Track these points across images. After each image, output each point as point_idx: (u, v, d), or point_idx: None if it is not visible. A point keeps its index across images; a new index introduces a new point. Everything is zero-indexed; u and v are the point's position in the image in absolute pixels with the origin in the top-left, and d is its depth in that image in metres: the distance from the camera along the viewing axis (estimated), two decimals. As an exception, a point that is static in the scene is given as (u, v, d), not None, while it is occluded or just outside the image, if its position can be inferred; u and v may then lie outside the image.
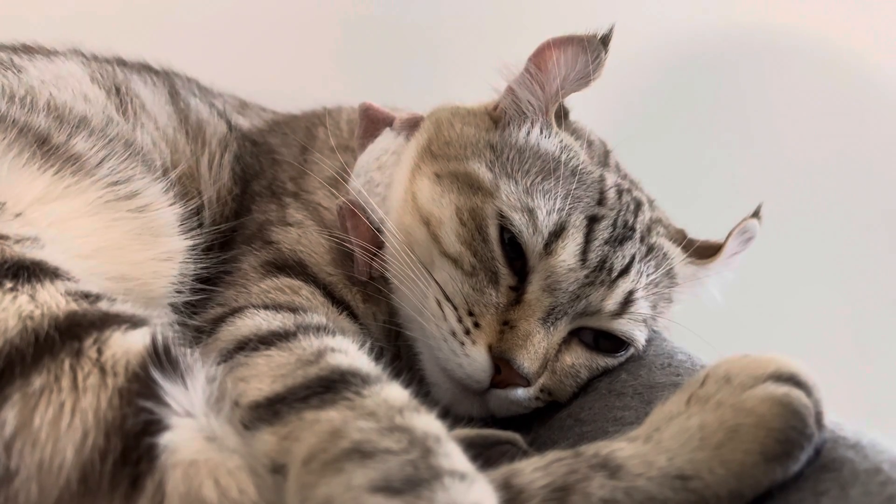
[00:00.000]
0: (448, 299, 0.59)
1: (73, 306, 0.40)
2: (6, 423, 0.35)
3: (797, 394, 0.41)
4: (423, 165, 0.64)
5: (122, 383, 0.37)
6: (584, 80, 0.62)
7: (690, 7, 1.20)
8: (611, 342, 0.63)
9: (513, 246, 0.60)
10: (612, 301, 0.61)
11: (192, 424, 0.38)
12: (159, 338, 0.40)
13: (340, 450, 0.36)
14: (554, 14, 1.17)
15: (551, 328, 0.59)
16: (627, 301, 0.62)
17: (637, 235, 0.64)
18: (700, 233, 0.73)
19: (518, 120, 0.65)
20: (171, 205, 0.59)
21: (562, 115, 0.66)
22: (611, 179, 0.65)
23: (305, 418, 0.40)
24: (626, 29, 1.14)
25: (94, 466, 0.35)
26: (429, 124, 0.68)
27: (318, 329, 0.52)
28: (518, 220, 0.59)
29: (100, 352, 0.38)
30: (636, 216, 0.65)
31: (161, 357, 0.39)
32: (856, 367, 1.20)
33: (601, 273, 0.61)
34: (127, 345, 0.39)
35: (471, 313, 0.59)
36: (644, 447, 0.41)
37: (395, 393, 0.42)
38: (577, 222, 0.60)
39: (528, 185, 0.61)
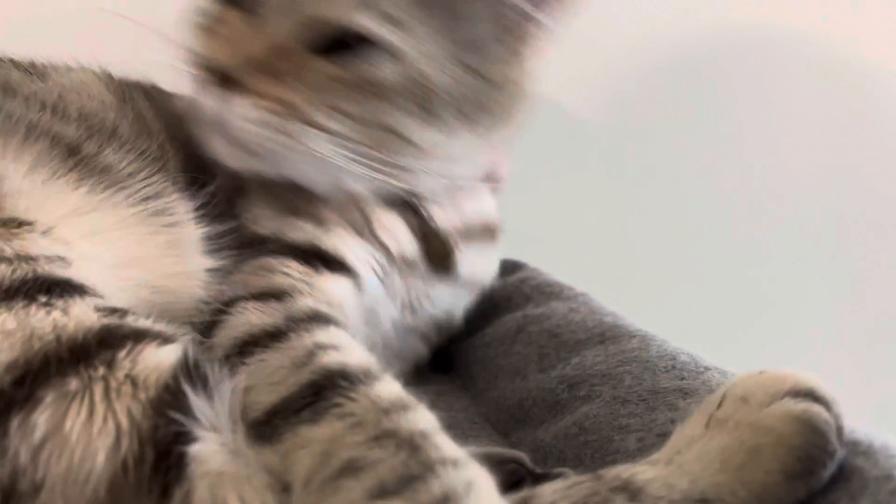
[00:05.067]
0: None
1: (106, 320, 0.41)
2: (37, 427, 0.35)
3: (817, 409, 0.40)
4: None
5: (154, 394, 0.38)
6: None
7: (684, 6, 1.19)
8: (361, 49, 0.58)
9: None
10: None
11: (218, 438, 0.39)
12: (190, 353, 0.41)
13: (334, 469, 0.38)
14: None
15: (258, 21, 0.57)
16: None
17: None
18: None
19: None
20: (198, 224, 0.59)
21: None
22: None
23: (301, 435, 0.41)
24: (620, 28, 1.15)
25: (127, 473, 0.35)
26: None
27: (308, 319, 0.52)
28: None
29: (133, 363, 0.39)
30: None
31: (191, 371, 0.40)
32: (864, 365, 1.22)
33: None
34: (158, 359, 0.40)
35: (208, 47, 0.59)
36: (665, 470, 0.41)
37: (383, 391, 0.43)
38: None
39: None
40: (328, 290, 0.61)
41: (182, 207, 0.58)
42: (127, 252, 0.52)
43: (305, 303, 0.55)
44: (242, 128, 0.55)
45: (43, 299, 0.41)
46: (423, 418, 0.41)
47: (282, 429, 0.41)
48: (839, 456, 0.40)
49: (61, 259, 0.46)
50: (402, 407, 0.41)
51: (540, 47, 0.64)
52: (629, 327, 0.71)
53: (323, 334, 0.49)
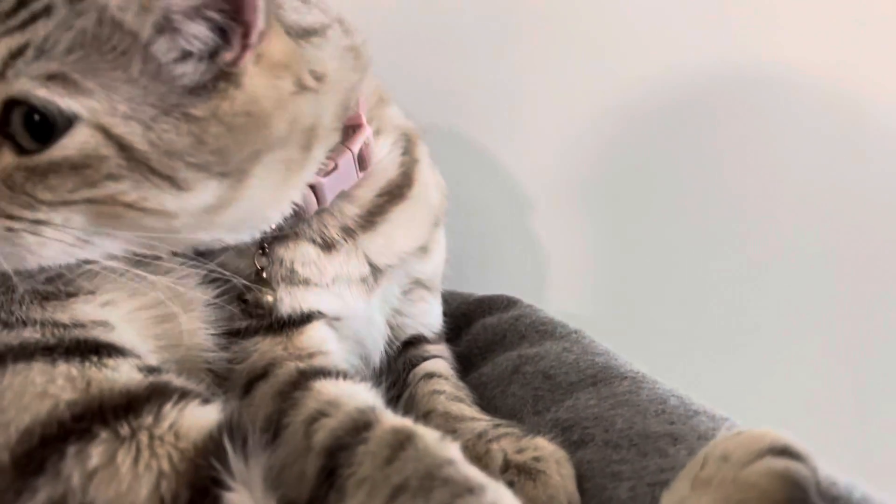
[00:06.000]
0: None
1: (150, 378, 0.48)
2: (91, 457, 0.41)
3: (796, 466, 0.42)
4: None
5: (195, 444, 0.44)
6: None
7: (690, 46, 1.21)
8: (46, 128, 0.50)
9: None
10: None
11: (249, 495, 0.42)
12: (230, 413, 0.47)
13: None
14: (554, 52, 1.17)
15: None
16: (15, 55, 0.49)
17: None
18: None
19: None
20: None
21: None
22: None
23: None
24: (623, 68, 1.17)
25: None
26: None
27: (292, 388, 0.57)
28: None
29: (177, 416, 0.45)
30: None
31: (233, 431, 0.45)
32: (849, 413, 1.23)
33: None
34: (201, 414, 0.46)
35: None
36: None
37: (379, 437, 0.47)
38: None
39: None
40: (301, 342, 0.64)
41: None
42: (156, 313, 0.58)
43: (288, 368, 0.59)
44: None
45: (94, 359, 0.48)
46: (433, 449, 0.44)
47: None
48: (818, 509, 0.42)
49: (104, 323, 0.52)
50: (404, 442, 0.45)
51: (259, 62, 0.55)
52: (620, 368, 0.72)
53: (312, 401, 0.52)
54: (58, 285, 0.54)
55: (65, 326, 0.50)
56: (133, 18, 0.50)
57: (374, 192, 0.69)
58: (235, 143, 0.54)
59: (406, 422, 0.48)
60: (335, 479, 0.45)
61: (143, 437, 0.43)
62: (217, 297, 0.61)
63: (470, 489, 0.40)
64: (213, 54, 0.53)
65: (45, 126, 0.49)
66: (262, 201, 0.59)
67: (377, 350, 0.76)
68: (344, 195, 0.67)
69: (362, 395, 0.53)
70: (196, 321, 0.59)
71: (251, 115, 0.54)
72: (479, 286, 1.05)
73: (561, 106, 1.22)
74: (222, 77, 0.53)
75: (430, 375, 0.76)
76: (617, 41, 1.19)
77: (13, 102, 0.49)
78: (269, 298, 0.64)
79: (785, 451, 0.43)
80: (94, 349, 0.49)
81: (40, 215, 0.50)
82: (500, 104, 1.21)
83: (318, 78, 0.59)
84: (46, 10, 0.49)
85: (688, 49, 1.21)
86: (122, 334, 0.53)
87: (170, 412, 0.45)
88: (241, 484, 0.42)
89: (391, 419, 0.48)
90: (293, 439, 0.50)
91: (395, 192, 0.71)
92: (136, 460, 0.42)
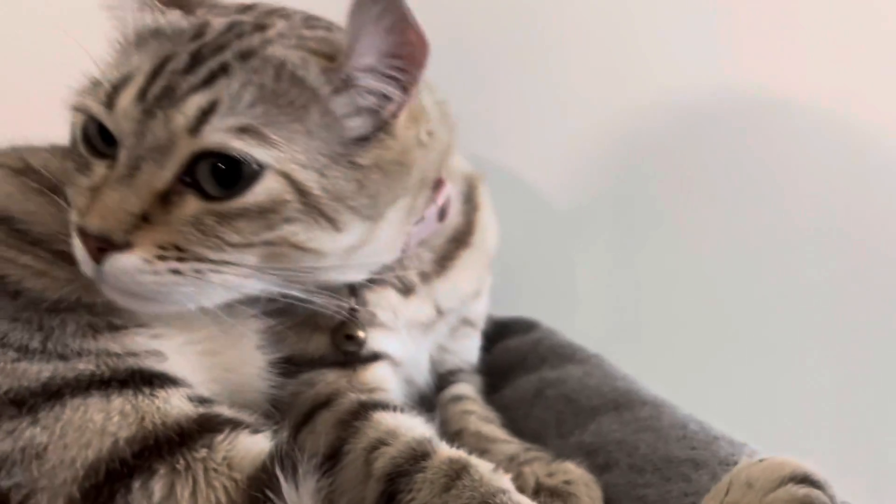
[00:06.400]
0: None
1: (202, 409, 0.50)
2: (154, 492, 0.45)
3: (816, 493, 0.45)
4: None
5: (249, 474, 0.47)
6: None
7: (693, 69, 1.24)
8: (233, 176, 0.54)
9: (105, 131, 0.56)
10: (181, 116, 0.53)
11: None
12: (280, 442, 0.49)
13: None
14: (557, 74, 1.20)
15: (129, 180, 0.53)
16: (208, 112, 0.53)
17: (231, 52, 0.56)
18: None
19: (122, 33, 0.61)
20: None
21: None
22: (223, 20, 0.59)
23: None
24: (627, 88, 1.21)
25: None
26: None
27: (353, 417, 0.60)
28: (83, 99, 0.56)
29: (230, 447, 0.48)
30: (242, 37, 0.57)
31: (283, 460, 0.47)
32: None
33: (164, 100, 0.53)
34: (252, 444, 0.49)
35: (78, 208, 0.55)
36: None
37: (436, 467, 0.51)
38: (145, 67, 0.55)
39: (107, 71, 0.57)
40: (368, 378, 0.67)
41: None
42: (206, 346, 0.60)
43: (349, 399, 0.61)
44: (132, 282, 0.53)
45: (147, 390, 0.50)
46: (487, 479, 0.49)
47: None
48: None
49: (157, 353, 0.55)
50: (461, 472, 0.49)
51: (406, 115, 0.60)
52: (641, 393, 0.76)
53: (372, 430, 0.56)
54: (109, 318, 0.56)
55: (118, 356, 0.52)
56: (315, 76, 0.56)
57: (445, 239, 0.73)
58: (386, 189, 0.60)
59: (461, 453, 0.52)
60: None
61: (199, 469, 0.46)
62: (270, 328, 0.64)
63: None
64: (379, 107, 0.58)
65: (232, 175, 0.53)
66: (385, 244, 0.64)
67: (422, 385, 0.80)
68: (422, 242, 0.72)
69: (419, 428, 0.57)
70: (248, 352, 0.62)
71: (401, 164, 0.60)
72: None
73: (569, 129, 1.26)
74: (382, 128, 0.59)
75: (458, 398, 0.79)
76: (627, 64, 1.22)
77: (202, 154, 0.53)
78: (362, 335, 0.68)
79: (805, 480, 0.46)
80: (147, 380, 0.51)
81: (226, 256, 0.54)
82: (510, 122, 1.25)
83: (429, 132, 0.65)
84: (223, 69, 0.54)
85: (695, 73, 1.24)
86: (173, 364, 0.55)
87: (222, 443, 0.48)
88: None
89: (447, 450, 0.52)
90: (353, 466, 0.54)
91: (461, 239, 0.76)
92: (193, 493, 0.45)
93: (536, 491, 0.60)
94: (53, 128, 0.63)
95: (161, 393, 0.50)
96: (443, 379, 0.83)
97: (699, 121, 1.26)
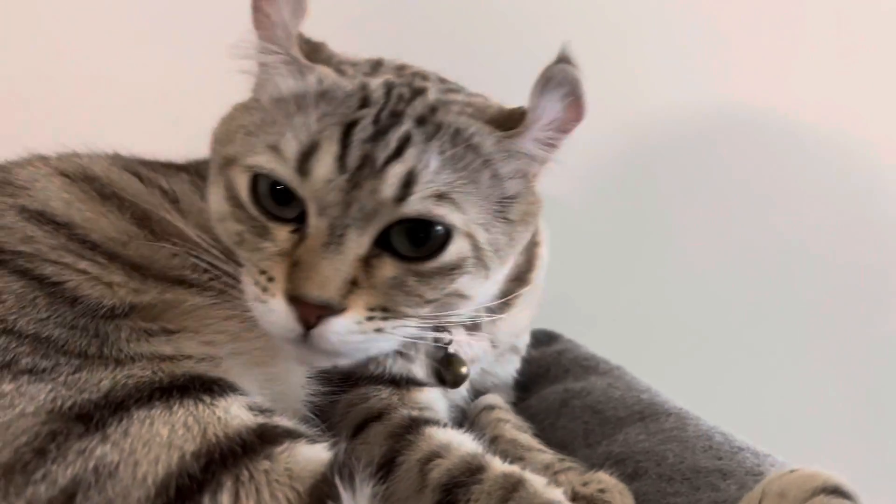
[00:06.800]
0: (247, 275, 0.60)
1: (260, 419, 0.51)
2: None
3: (847, 504, 0.48)
4: (212, 177, 0.66)
5: (309, 484, 0.47)
6: (300, 8, 0.62)
7: (680, 85, 1.28)
8: (425, 237, 0.59)
9: (278, 192, 0.59)
10: (388, 187, 0.57)
11: None
12: (337, 452, 0.51)
13: None
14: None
15: (338, 247, 0.56)
16: (409, 181, 0.57)
17: (409, 120, 0.60)
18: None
19: (265, 82, 0.64)
20: None
21: (309, 50, 0.65)
22: (377, 81, 0.63)
23: None
24: (616, 105, 1.24)
25: None
26: (211, 140, 0.68)
27: (406, 431, 0.63)
28: (264, 160, 0.58)
29: (290, 457, 0.48)
30: (410, 102, 0.62)
31: (342, 469, 0.49)
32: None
33: (364, 169, 0.57)
34: (311, 454, 0.49)
35: (263, 272, 0.58)
36: None
37: (492, 480, 0.54)
38: (331, 134, 0.57)
39: (273, 130, 0.59)
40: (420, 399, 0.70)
41: None
42: (254, 357, 0.62)
43: (401, 414, 0.64)
44: (340, 342, 0.57)
45: (207, 399, 0.50)
46: (542, 492, 0.52)
47: None
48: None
49: (211, 358, 0.56)
50: (516, 485, 0.51)
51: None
52: (664, 405, 0.78)
53: (424, 444, 0.58)
54: (162, 324, 0.58)
55: (171, 359, 0.53)
56: (491, 144, 0.61)
57: (509, 278, 0.76)
58: (522, 239, 0.67)
59: (514, 467, 0.55)
60: None
61: (262, 481, 0.46)
62: None
63: None
64: (530, 167, 0.64)
65: (425, 236, 0.58)
66: (496, 285, 0.69)
67: (460, 402, 0.83)
68: None
69: (470, 443, 0.60)
70: (292, 364, 0.64)
71: (534, 216, 0.67)
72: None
73: (578, 141, 1.29)
74: (525, 186, 0.64)
75: (491, 407, 0.82)
76: (628, 80, 1.24)
77: (400, 220, 0.58)
78: (465, 371, 0.74)
79: (836, 491, 0.48)
80: (206, 386, 0.52)
81: (422, 311, 0.60)
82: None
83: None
84: (407, 138, 0.59)
85: (693, 89, 1.28)
86: (227, 370, 0.57)
87: (282, 454, 0.48)
88: None
89: (500, 464, 0.55)
90: (407, 476, 0.57)
91: (521, 277, 0.78)
92: (259, 502, 0.45)
93: (572, 499, 0.63)
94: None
95: (221, 402, 0.51)
96: (477, 393, 0.87)
97: (700, 135, 1.30)
